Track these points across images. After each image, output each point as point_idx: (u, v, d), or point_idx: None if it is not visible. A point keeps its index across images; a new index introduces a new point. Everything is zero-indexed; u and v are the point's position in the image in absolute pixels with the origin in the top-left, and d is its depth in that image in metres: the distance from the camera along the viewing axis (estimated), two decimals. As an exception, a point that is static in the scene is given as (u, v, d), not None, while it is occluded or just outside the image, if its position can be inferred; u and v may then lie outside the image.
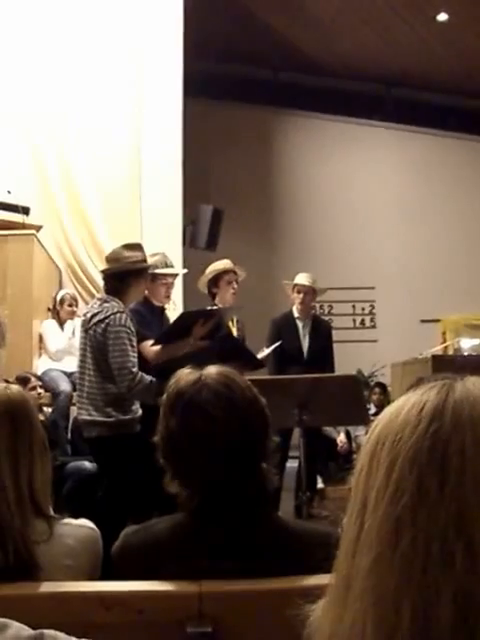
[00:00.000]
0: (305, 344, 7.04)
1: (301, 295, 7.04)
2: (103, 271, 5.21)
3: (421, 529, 0.80)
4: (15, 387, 2.16)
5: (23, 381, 6.03)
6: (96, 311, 4.97)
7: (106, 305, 4.96)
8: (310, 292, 7.08)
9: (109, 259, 5.18)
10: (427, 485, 0.80)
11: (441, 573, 0.78)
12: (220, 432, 1.89)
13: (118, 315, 4.86)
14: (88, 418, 4.99)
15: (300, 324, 7.09)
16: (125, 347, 4.82)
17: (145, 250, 5.30)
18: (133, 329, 4.91)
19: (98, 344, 4.90)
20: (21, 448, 2.01)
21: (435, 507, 0.80)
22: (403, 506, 0.81)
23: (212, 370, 2.00)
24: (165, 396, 2.01)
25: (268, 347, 6.37)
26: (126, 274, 5.06)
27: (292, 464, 6.88)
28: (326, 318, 10.71)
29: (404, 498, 0.81)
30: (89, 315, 5.01)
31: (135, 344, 4.92)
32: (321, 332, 7.19)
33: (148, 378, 4.82)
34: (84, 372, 5.02)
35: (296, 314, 7.11)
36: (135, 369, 4.82)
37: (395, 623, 0.79)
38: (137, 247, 5.28)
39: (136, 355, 4.91)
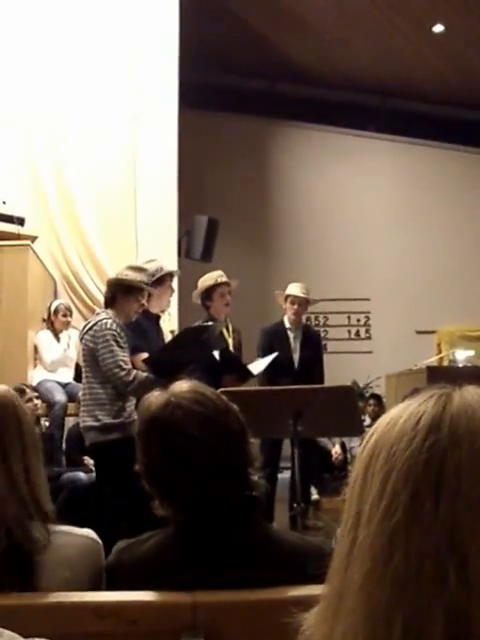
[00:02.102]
0: (296, 355, 7.01)
1: (295, 306, 7.01)
2: (120, 279, 5.32)
3: (414, 544, 0.78)
4: (2, 387, 2.07)
5: (19, 392, 6.01)
6: (89, 322, 5.26)
7: (97, 317, 5.21)
8: (303, 303, 7.06)
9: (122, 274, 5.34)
10: (422, 500, 0.79)
11: (433, 590, 0.76)
12: (202, 450, 1.86)
13: (104, 320, 5.07)
14: (82, 425, 5.19)
15: (291, 335, 7.06)
16: (113, 347, 4.99)
17: (139, 260, 5.49)
18: (120, 332, 5.07)
19: (90, 351, 5.11)
20: (10, 447, 1.94)
21: (429, 523, 0.78)
22: (397, 520, 0.79)
23: (181, 387, 1.96)
24: (138, 423, 1.98)
25: (260, 357, 6.35)
26: (131, 287, 5.23)
27: (286, 475, 6.88)
28: (321, 329, 10.73)
29: (398, 512, 0.79)
30: (86, 328, 5.23)
31: (125, 345, 5.08)
32: (312, 342, 7.17)
33: (144, 374, 4.96)
34: (86, 381, 5.21)
35: (287, 324, 7.09)
36: (127, 366, 4.97)
37: (386, 639, 0.78)
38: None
39: (126, 354, 5.07)
